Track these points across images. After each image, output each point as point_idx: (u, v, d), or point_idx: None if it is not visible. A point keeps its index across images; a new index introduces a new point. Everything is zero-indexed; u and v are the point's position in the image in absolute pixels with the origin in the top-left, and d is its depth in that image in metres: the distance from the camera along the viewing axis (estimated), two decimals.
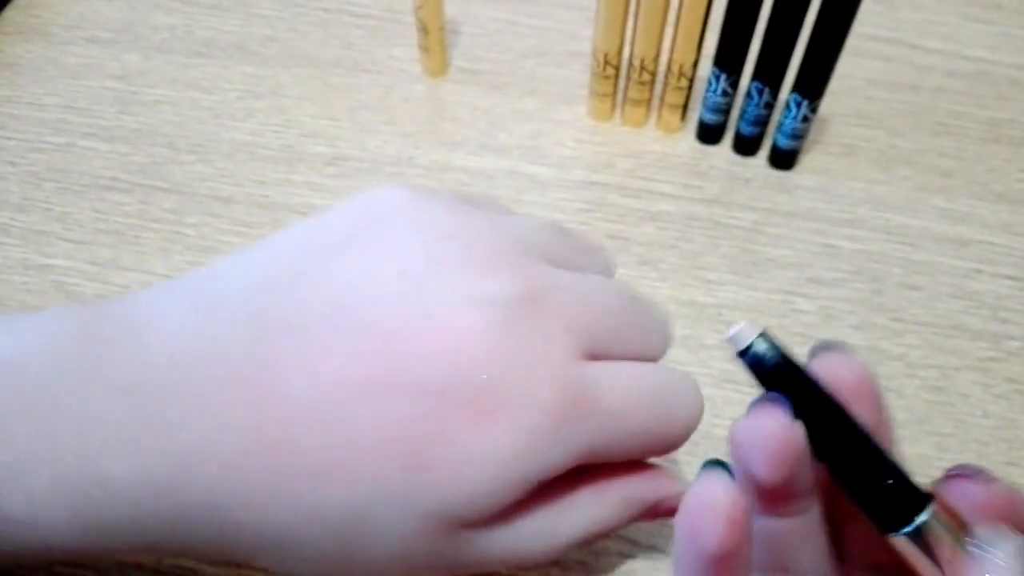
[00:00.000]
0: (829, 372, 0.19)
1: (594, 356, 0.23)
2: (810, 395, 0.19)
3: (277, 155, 0.45)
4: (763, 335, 0.19)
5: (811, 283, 0.40)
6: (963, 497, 0.19)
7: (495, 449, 0.21)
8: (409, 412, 0.21)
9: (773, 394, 0.19)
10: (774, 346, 0.19)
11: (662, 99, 0.45)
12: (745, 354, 0.19)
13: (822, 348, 0.20)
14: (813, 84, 0.40)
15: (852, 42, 0.39)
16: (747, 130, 0.44)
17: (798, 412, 0.19)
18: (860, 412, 0.19)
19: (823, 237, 0.42)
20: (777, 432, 0.18)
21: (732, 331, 0.20)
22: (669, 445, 0.25)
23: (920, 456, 0.34)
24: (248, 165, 0.44)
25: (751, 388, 0.35)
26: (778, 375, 0.19)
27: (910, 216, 0.43)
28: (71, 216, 0.42)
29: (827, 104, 0.48)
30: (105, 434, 0.20)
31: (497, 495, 0.21)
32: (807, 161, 0.45)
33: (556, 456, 0.22)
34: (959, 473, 0.20)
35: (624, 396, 0.23)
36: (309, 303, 0.22)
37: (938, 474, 0.33)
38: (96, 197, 0.43)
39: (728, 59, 0.41)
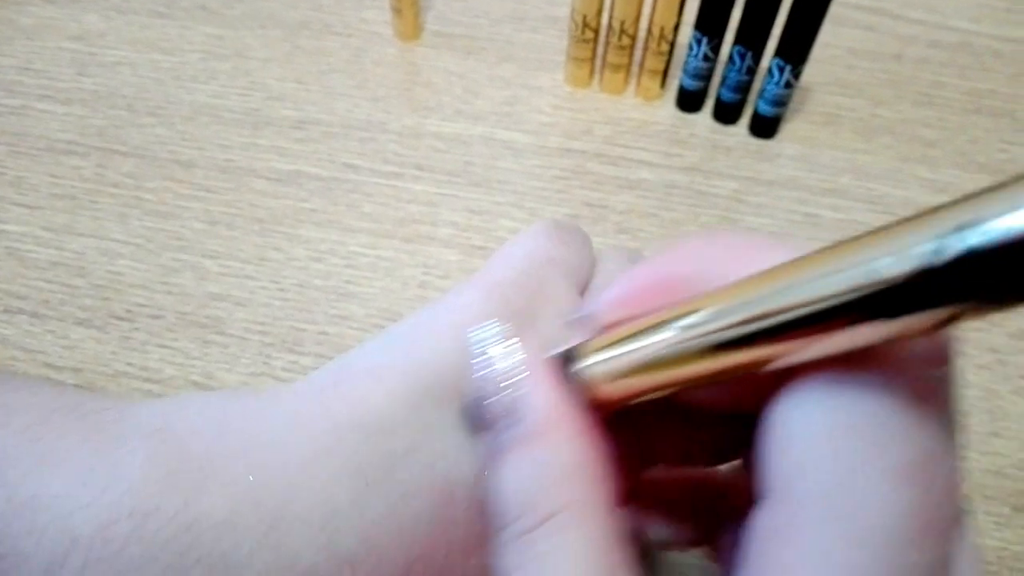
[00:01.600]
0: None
1: None
2: None
3: (241, 118, 0.43)
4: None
5: None
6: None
7: None
8: None
9: None
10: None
11: (642, 64, 0.44)
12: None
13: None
14: (796, 48, 0.39)
15: (835, 11, 0.38)
16: (728, 96, 0.43)
17: None
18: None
19: (804, 206, 0.41)
20: None
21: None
22: None
23: None
24: (210, 128, 0.42)
25: None
26: None
27: (892, 186, 0.42)
28: (25, 180, 0.40)
29: (809, 73, 0.47)
30: None
31: None
32: (788, 130, 0.44)
33: None
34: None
35: None
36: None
37: None
38: (52, 161, 0.41)
39: (710, 22, 0.40)
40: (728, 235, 0.17)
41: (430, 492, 0.19)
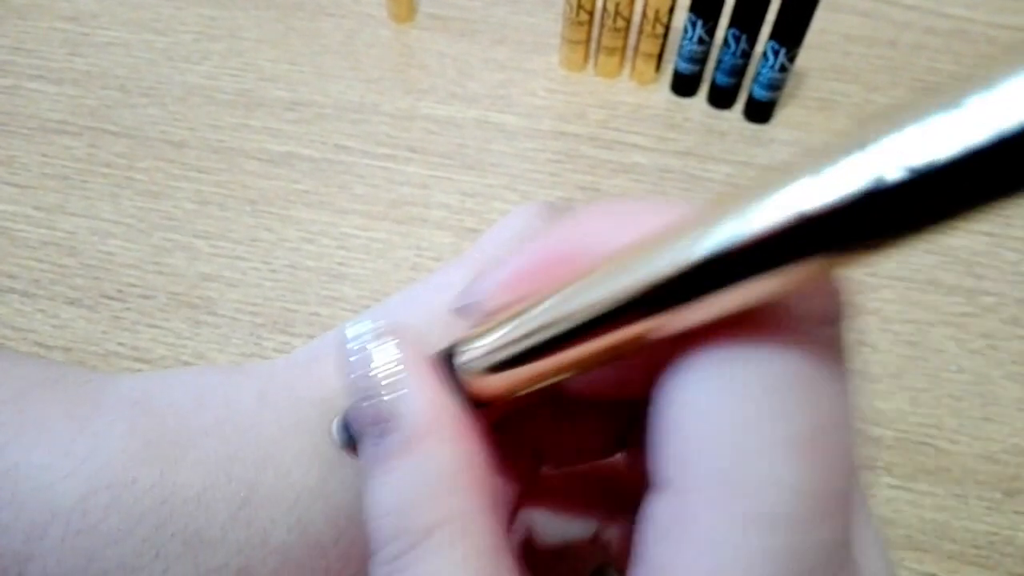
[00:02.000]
0: None
1: None
2: None
3: (234, 99, 0.43)
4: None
5: None
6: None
7: None
8: None
9: None
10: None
11: (636, 48, 0.44)
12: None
13: None
14: (791, 31, 0.39)
15: None
16: (723, 80, 0.42)
17: None
18: None
19: None
20: None
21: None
22: None
23: (895, 410, 0.33)
24: (203, 109, 0.42)
25: None
26: None
27: None
28: (17, 160, 0.40)
29: (804, 58, 0.47)
30: None
31: None
32: (783, 115, 0.44)
33: None
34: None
35: None
36: None
37: (913, 429, 0.32)
38: (43, 141, 0.41)
39: (704, 5, 0.40)
40: (621, 203, 0.15)
41: None
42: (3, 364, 0.19)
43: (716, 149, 0.42)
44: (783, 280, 0.11)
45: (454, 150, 0.41)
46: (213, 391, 0.19)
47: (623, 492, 0.21)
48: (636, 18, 0.43)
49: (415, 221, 0.38)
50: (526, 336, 0.14)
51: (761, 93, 0.42)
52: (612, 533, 0.20)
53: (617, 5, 0.41)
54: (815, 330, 0.13)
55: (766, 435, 0.12)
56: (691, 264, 0.12)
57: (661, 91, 0.45)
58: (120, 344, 0.33)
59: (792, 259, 0.11)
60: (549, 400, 0.18)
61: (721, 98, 0.44)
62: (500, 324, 0.15)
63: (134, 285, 0.35)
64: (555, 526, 0.21)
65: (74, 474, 0.16)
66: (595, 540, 0.21)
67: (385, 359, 0.15)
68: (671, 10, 0.41)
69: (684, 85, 0.44)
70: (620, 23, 0.42)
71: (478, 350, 0.15)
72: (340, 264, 0.36)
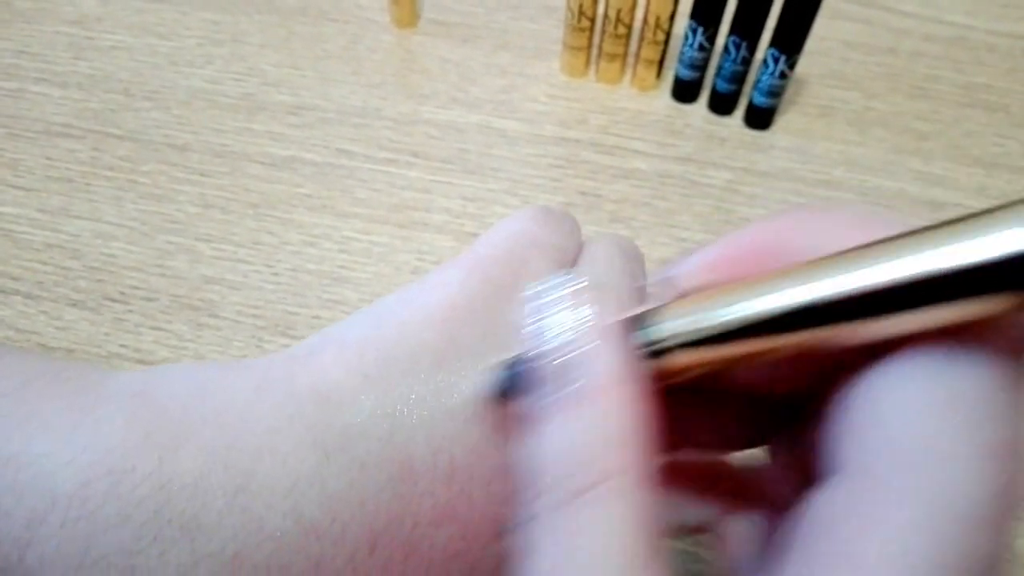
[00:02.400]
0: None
1: None
2: None
3: (237, 103, 0.43)
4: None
5: None
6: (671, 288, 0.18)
7: None
8: None
9: None
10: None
11: (638, 54, 0.44)
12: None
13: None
14: (791, 38, 0.39)
15: (830, 4, 0.38)
16: (723, 87, 0.43)
17: None
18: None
19: (798, 197, 0.41)
20: None
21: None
22: None
23: None
24: (206, 113, 0.42)
25: None
26: None
27: (885, 178, 0.42)
28: (21, 163, 0.40)
29: (804, 65, 0.47)
30: None
31: None
32: (783, 121, 0.44)
33: None
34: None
35: None
36: (456, 447, 0.20)
37: None
38: (48, 144, 0.41)
39: (705, 12, 0.40)
40: (834, 210, 0.16)
41: (389, 465, 0.19)
42: (5, 359, 0.19)
43: (716, 155, 0.42)
44: (1003, 302, 0.12)
45: (456, 155, 0.41)
46: (212, 383, 0.20)
47: (747, 485, 0.21)
48: (637, 25, 0.44)
49: (416, 225, 0.38)
50: (722, 321, 0.15)
51: (761, 100, 0.42)
52: (728, 525, 0.21)
53: (618, 12, 0.42)
54: (1018, 350, 0.14)
55: (966, 437, 0.13)
56: (916, 278, 0.13)
57: (662, 97, 0.45)
58: (122, 346, 0.34)
59: (1014, 288, 0.12)
60: (705, 386, 0.18)
61: (721, 104, 0.44)
62: (693, 305, 0.16)
63: (137, 287, 0.35)
64: (672, 511, 0.22)
65: (74, 462, 0.17)
66: (706, 530, 0.21)
67: (578, 314, 0.17)
68: (672, 17, 0.42)
69: (685, 91, 0.44)
70: (621, 30, 0.43)
71: (666, 326, 0.16)
72: (342, 267, 0.37)
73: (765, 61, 0.41)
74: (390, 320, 0.22)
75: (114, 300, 0.35)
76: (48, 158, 0.40)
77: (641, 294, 0.19)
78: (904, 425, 0.14)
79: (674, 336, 0.16)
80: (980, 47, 0.50)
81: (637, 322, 0.17)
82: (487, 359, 0.21)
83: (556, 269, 0.23)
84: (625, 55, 0.45)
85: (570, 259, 0.25)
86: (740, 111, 0.44)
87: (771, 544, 0.17)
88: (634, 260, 0.27)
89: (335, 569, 0.19)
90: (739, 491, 0.22)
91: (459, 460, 0.20)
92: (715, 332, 0.15)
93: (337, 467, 0.19)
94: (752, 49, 0.41)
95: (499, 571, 0.21)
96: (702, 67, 0.43)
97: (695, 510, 0.22)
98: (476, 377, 0.21)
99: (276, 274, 0.36)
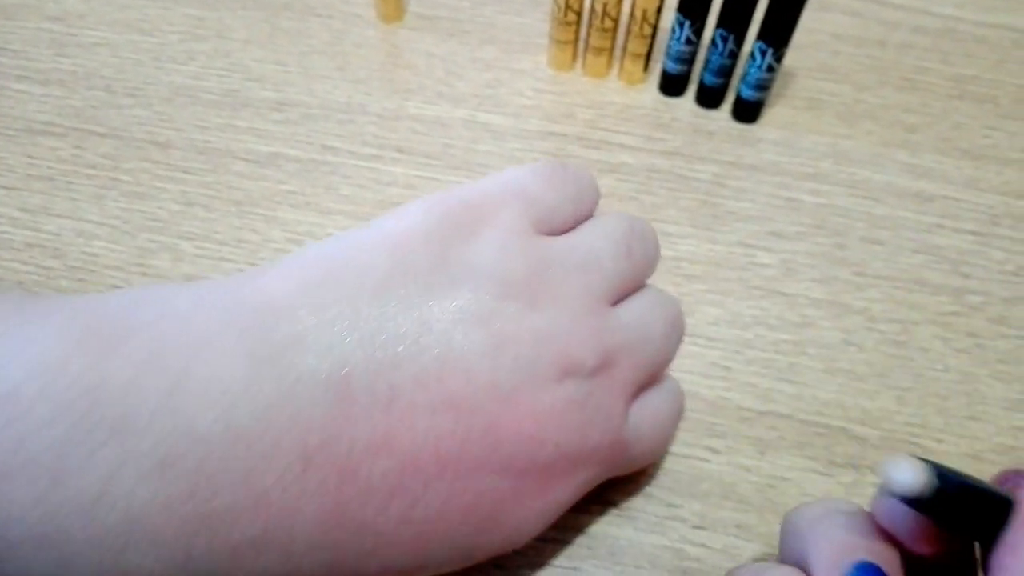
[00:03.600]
0: None
1: (639, 389, 0.25)
2: (976, 503, 0.19)
3: (220, 100, 0.43)
4: (939, 473, 0.18)
5: (772, 236, 0.39)
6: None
7: (553, 504, 0.23)
8: (491, 487, 0.21)
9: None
10: (955, 478, 0.18)
11: (624, 48, 0.44)
12: (926, 498, 0.18)
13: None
14: (779, 31, 0.39)
15: None
16: (710, 80, 0.42)
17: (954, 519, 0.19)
18: None
19: (785, 191, 0.41)
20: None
21: (910, 482, 0.18)
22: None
23: (880, 410, 0.33)
24: (189, 109, 0.42)
25: (707, 341, 0.34)
26: (952, 503, 0.18)
27: (873, 170, 0.42)
28: (2, 161, 0.40)
29: (792, 58, 0.47)
30: (128, 522, 0.17)
31: (539, 531, 0.24)
32: (771, 115, 0.44)
33: (589, 488, 0.25)
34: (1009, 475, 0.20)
35: (650, 439, 0.26)
36: (397, 374, 0.20)
37: (899, 428, 0.32)
38: (28, 142, 0.41)
39: (692, 5, 0.40)
40: None
41: (326, 380, 0.19)
42: None
43: (704, 149, 0.42)
44: None
45: (441, 150, 0.41)
46: (151, 296, 0.20)
47: None
48: (624, 18, 0.43)
49: None
50: None
51: (748, 93, 0.42)
52: None
53: (605, 5, 0.41)
54: None
55: None
56: None
57: (649, 91, 0.45)
58: None
59: None
60: None
61: (709, 98, 0.43)
62: None
63: (118, 287, 0.35)
64: None
65: (6, 365, 0.17)
66: None
67: None
68: (659, 10, 0.41)
69: (672, 85, 0.44)
70: (608, 23, 0.42)
71: None
72: None
73: (752, 54, 0.40)
74: (342, 244, 0.22)
75: None
76: (29, 156, 0.40)
77: None
78: None
79: None
80: (969, 39, 0.50)
81: None
82: (433, 291, 0.21)
83: (527, 223, 0.23)
84: (612, 49, 0.44)
85: (561, 222, 0.25)
86: (728, 105, 0.44)
87: None
88: (639, 238, 0.26)
89: (264, 486, 0.18)
90: None
91: (400, 388, 0.20)
92: None
93: (271, 375, 0.19)
94: (739, 42, 0.41)
95: (446, 511, 0.21)
96: (689, 61, 0.43)
97: None
98: (423, 306, 0.21)
99: None
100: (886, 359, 0.35)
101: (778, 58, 0.40)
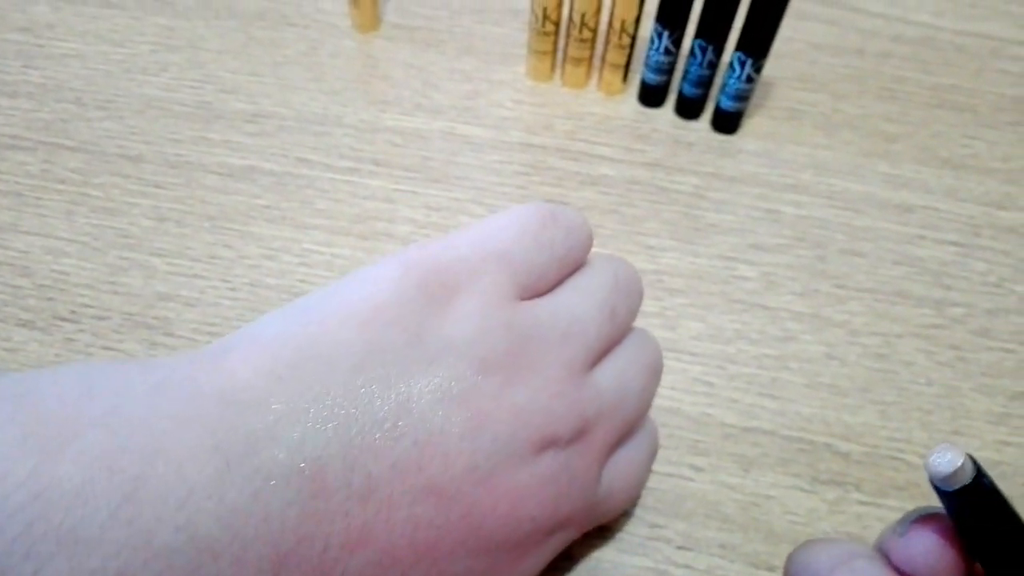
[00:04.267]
0: None
1: (615, 448, 0.25)
2: (1007, 526, 0.19)
3: (193, 112, 0.42)
4: (978, 468, 0.18)
5: (753, 249, 0.38)
6: None
7: (531, 567, 0.23)
8: (465, 569, 0.21)
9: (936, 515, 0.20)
10: (990, 481, 0.18)
11: (603, 58, 0.43)
12: (962, 492, 0.18)
13: None
14: (758, 42, 0.38)
15: (796, 5, 0.37)
16: (690, 91, 0.42)
17: (987, 540, 0.19)
18: None
19: (766, 202, 0.40)
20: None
21: (948, 468, 0.18)
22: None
23: (863, 424, 0.33)
24: (161, 122, 0.41)
25: (690, 356, 0.33)
26: (983, 509, 0.18)
27: (853, 181, 0.42)
28: None
29: (771, 68, 0.46)
30: None
31: None
32: (750, 125, 0.44)
33: (560, 550, 0.25)
34: None
35: (621, 493, 0.26)
36: (375, 463, 0.19)
37: (883, 443, 0.32)
38: None
39: (670, 15, 0.40)
40: None
41: (299, 477, 0.18)
42: None
43: (684, 160, 0.42)
44: None
45: (419, 163, 0.41)
46: (105, 382, 0.18)
47: None
48: (603, 28, 0.43)
49: (380, 236, 0.37)
50: None
51: (728, 104, 0.41)
52: None
53: (583, 16, 0.41)
54: None
55: None
56: None
57: (628, 102, 0.45)
58: None
59: None
60: None
61: (688, 109, 0.43)
62: None
63: (88, 306, 0.34)
64: None
65: None
66: None
67: None
68: (638, 20, 0.41)
69: (651, 96, 0.44)
70: (586, 33, 0.42)
71: None
72: (302, 281, 0.36)
73: (731, 65, 0.40)
74: (309, 317, 0.20)
75: (64, 319, 0.34)
76: None
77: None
78: None
79: None
80: (948, 48, 0.50)
81: None
82: (410, 370, 0.20)
83: (507, 290, 0.22)
84: (591, 59, 0.44)
85: (546, 284, 0.24)
86: (707, 116, 0.44)
87: None
88: (624, 295, 0.25)
89: None
90: None
91: (378, 477, 0.19)
92: None
93: (239, 477, 0.17)
94: (718, 53, 0.40)
95: None
96: (668, 71, 0.42)
97: None
98: (400, 388, 0.20)
99: (233, 289, 0.35)
100: (868, 373, 0.34)
101: (757, 68, 0.40)
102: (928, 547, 0.19)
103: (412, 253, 0.22)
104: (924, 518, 0.20)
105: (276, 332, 0.20)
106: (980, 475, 0.18)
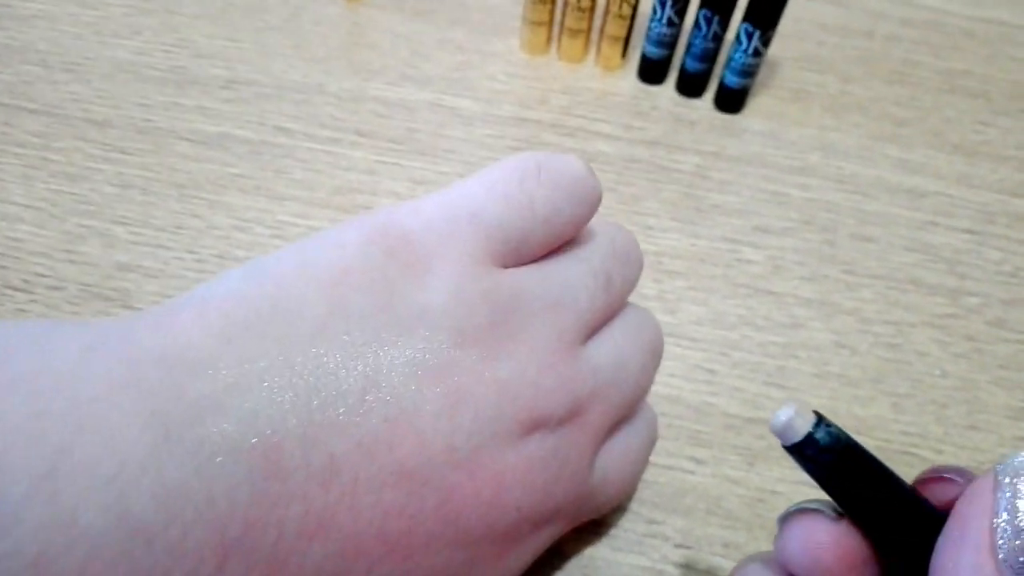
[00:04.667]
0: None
1: (610, 432, 0.23)
2: (876, 485, 0.17)
3: (165, 76, 0.39)
4: (821, 422, 0.17)
5: (758, 232, 0.36)
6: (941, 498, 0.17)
7: (509, 570, 0.21)
8: (443, 563, 0.18)
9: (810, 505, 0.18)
10: (836, 434, 0.17)
11: (602, 31, 0.41)
12: (803, 447, 0.17)
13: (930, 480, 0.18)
14: (766, 12, 0.36)
15: None
16: (693, 66, 0.40)
17: (860, 504, 0.17)
18: None
19: (771, 184, 0.38)
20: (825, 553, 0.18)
21: (782, 419, 0.17)
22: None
23: (876, 417, 0.30)
24: (130, 86, 0.39)
25: (690, 342, 0.31)
26: (840, 467, 0.17)
27: (863, 165, 0.40)
28: None
29: (776, 48, 0.44)
30: None
31: None
32: (755, 105, 0.42)
33: (549, 545, 0.23)
34: (935, 476, 0.18)
35: (616, 483, 0.24)
36: (338, 441, 0.16)
37: (895, 438, 0.30)
38: None
39: None
40: None
41: (250, 454, 0.15)
42: None
43: (685, 139, 0.40)
44: None
45: (405, 135, 0.38)
46: (31, 342, 0.16)
47: None
48: None
49: (360, 210, 0.35)
50: None
51: (733, 80, 0.39)
52: None
53: None
54: None
55: None
56: None
57: (627, 78, 0.42)
58: None
59: None
60: None
61: (691, 86, 0.41)
62: None
63: (42, 275, 0.32)
64: None
65: None
66: None
67: None
68: None
69: (652, 71, 0.41)
70: (585, 3, 0.40)
71: None
72: None
73: (738, 37, 0.38)
74: (267, 276, 0.18)
75: (16, 289, 0.31)
76: None
77: None
78: None
79: None
80: (958, 32, 0.48)
81: None
82: (380, 338, 0.17)
83: (479, 256, 0.19)
84: (589, 31, 0.42)
85: (532, 248, 0.21)
86: (710, 93, 0.41)
87: None
88: (621, 261, 0.23)
89: None
90: None
91: (341, 458, 0.16)
92: None
93: (180, 450, 0.15)
94: (724, 25, 0.38)
95: None
96: (671, 44, 0.40)
97: None
98: (368, 358, 0.17)
99: (200, 260, 0.32)
100: (880, 363, 0.32)
101: (765, 42, 0.37)
102: (802, 541, 0.18)
103: (380, 217, 0.19)
104: (797, 511, 0.19)
105: (229, 290, 0.18)
106: (823, 430, 0.17)
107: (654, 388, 0.30)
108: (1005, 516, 0.15)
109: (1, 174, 0.35)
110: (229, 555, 0.15)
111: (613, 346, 0.22)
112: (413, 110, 0.39)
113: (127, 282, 0.31)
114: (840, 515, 0.18)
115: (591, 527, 0.26)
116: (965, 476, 0.17)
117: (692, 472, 0.28)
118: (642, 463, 0.25)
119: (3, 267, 0.32)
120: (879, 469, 0.17)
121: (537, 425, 0.19)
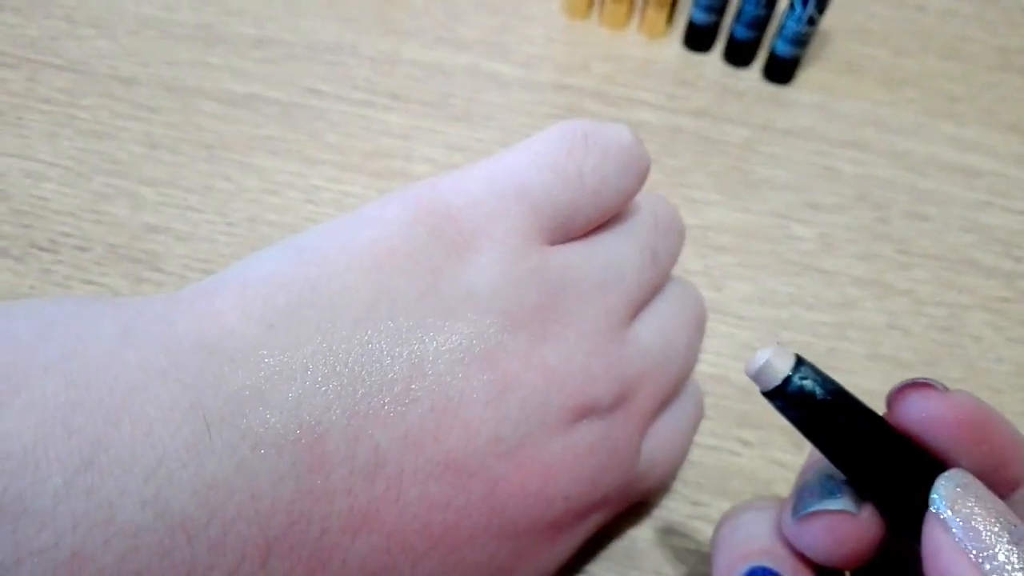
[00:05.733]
0: (923, 417, 0.16)
1: (657, 414, 0.22)
2: (864, 432, 0.16)
3: (193, 33, 0.38)
4: (801, 364, 0.16)
5: (809, 208, 0.35)
6: (918, 413, 0.16)
7: (555, 560, 0.20)
8: (488, 556, 0.18)
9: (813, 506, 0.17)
10: (817, 378, 0.16)
11: None
12: (781, 392, 0.16)
13: (908, 388, 0.16)
14: None
15: None
16: (742, 34, 0.38)
17: (848, 454, 0.16)
18: (973, 454, 0.16)
19: (823, 158, 0.37)
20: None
21: (759, 362, 0.16)
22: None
23: None
24: (158, 43, 0.37)
25: (737, 320, 0.30)
26: (823, 414, 0.16)
27: (917, 141, 0.38)
28: None
29: (827, 19, 0.43)
30: None
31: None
32: (805, 77, 0.40)
33: (593, 533, 0.22)
34: (909, 385, 0.16)
35: (664, 466, 0.23)
36: (383, 432, 0.16)
37: None
38: None
39: None
40: None
41: (293, 447, 0.15)
42: None
43: (733, 110, 0.38)
44: None
45: (440, 99, 0.37)
46: (66, 322, 0.15)
47: None
48: None
49: (394, 175, 0.34)
50: None
51: (785, 49, 0.38)
52: None
53: None
54: None
55: None
56: None
57: (672, 46, 0.41)
58: None
59: None
60: None
61: (739, 54, 0.39)
62: None
63: (69, 235, 0.31)
64: None
65: None
66: None
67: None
68: None
69: (699, 39, 0.40)
70: None
71: None
72: (307, 219, 0.32)
73: (791, 4, 0.36)
74: (307, 258, 0.17)
75: (42, 248, 0.30)
76: None
77: None
78: None
79: None
80: (1013, 8, 0.46)
81: None
82: (425, 324, 0.17)
83: (529, 232, 0.18)
84: None
85: (580, 223, 0.20)
86: (759, 63, 0.40)
87: None
88: (664, 234, 0.22)
89: None
90: None
91: (386, 450, 0.16)
92: None
93: (221, 443, 0.14)
94: None
95: None
96: (720, 10, 0.39)
97: None
98: (413, 345, 0.16)
99: (230, 224, 0.31)
100: (934, 346, 0.31)
101: (820, 8, 0.36)
102: (827, 542, 0.17)
103: (424, 192, 0.18)
104: (818, 512, 0.17)
105: (268, 273, 0.17)
106: (804, 372, 0.16)
107: (699, 367, 0.29)
108: (972, 546, 0.14)
109: (26, 131, 0.34)
110: (272, 552, 0.14)
111: (659, 324, 0.21)
112: (449, 74, 0.38)
113: (156, 244, 0.30)
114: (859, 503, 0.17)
115: (634, 508, 0.25)
116: (939, 384, 0.16)
117: (739, 454, 0.27)
118: (688, 442, 0.24)
119: (28, 226, 0.31)
120: (868, 417, 0.16)
121: (585, 412, 0.19)
